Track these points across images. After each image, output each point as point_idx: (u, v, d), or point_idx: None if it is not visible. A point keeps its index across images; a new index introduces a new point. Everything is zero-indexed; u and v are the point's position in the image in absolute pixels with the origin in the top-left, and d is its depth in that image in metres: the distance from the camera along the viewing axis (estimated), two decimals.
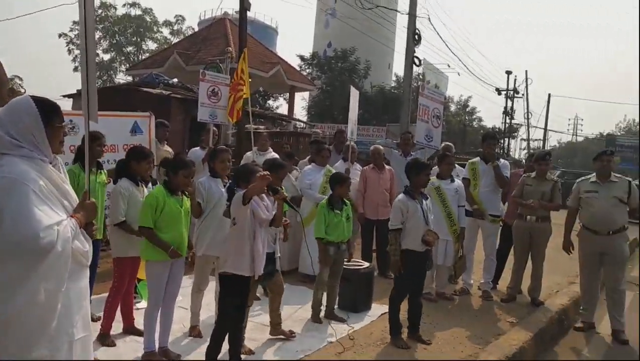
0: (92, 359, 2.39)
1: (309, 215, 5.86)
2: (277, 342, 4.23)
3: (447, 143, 7.33)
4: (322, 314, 4.86)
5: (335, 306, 5.00)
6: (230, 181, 4.14)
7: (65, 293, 2.12)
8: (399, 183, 6.13)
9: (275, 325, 4.36)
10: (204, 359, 3.58)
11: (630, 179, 5.45)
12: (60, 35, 35.45)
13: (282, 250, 4.56)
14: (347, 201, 5.04)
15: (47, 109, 2.19)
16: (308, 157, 6.98)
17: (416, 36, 14.64)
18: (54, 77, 79.94)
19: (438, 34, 51.38)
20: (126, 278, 4.16)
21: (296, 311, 4.90)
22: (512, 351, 4.23)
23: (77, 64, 32.11)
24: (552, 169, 11.18)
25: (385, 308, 4.77)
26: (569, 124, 69.76)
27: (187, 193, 3.90)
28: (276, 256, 4.26)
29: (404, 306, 4.43)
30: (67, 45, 35.43)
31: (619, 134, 54.31)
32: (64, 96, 14.24)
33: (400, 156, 6.88)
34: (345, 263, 5.17)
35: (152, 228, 3.65)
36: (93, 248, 4.16)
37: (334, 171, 6.18)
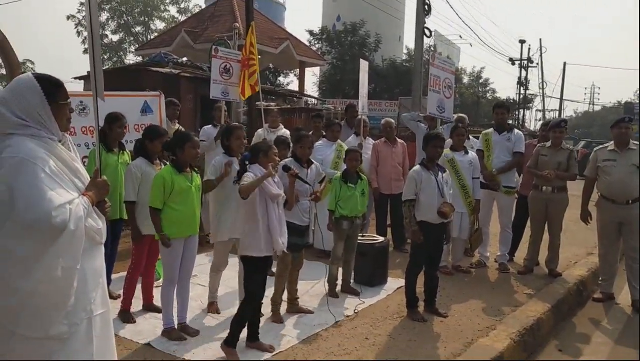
0: (113, 334, 2.42)
1: (322, 191, 5.83)
2: (294, 316, 4.26)
3: (460, 115, 7.21)
4: (338, 288, 4.88)
5: (351, 281, 5.01)
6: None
7: (81, 270, 2.13)
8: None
9: (293, 300, 4.39)
10: (221, 335, 3.61)
11: None
12: (68, 18, 35.31)
13: None
14: (362, 176, 4.99)
15: (50, 86, 2.16)
16: (311, 132, 6.86)
17: (426, 6, 14.29)
18: (65, 59, 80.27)
19: (448, 3, 50.07)
20: (144, 255, 4.18)
21: (312, 287, 4.91)
22: (529, 322, 4.22)
23: (86, 45, 32.01)
24: (568, 139, 10.98)
25: (401, 282, 4.77)
26: (585, 93, 68.32)
27: (196, 169, 3.88)
28: (311, 229, 4.28)
29: (420, 280, 4.42)
30: (75, 27, 35.27)
31: (637, 101, 53.11)
32: (75, 78, 14.25)
33: (426, 130, 6.75)
34: (360, 238, 5.16)
35: (159, 209, 3.65)
36: (114, 228, 4.26)
37: (345, 145, 6.14)
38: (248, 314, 3.58)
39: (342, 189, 4.76)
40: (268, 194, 3.48)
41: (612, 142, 5.21)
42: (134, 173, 4.05)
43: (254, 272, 3.56)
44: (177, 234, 3.69)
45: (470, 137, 6.50)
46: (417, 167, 4.44)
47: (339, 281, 4.92)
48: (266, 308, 4.20)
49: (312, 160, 4.54)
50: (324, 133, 6.47)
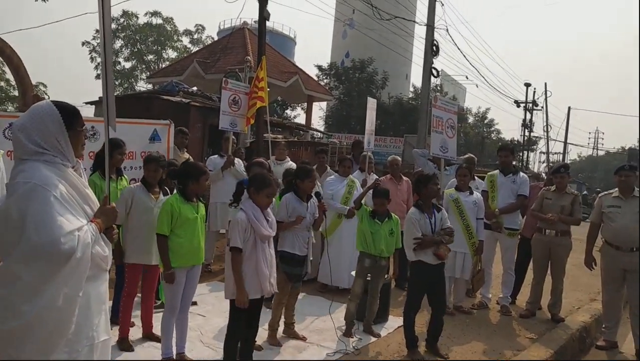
0: None
1: (331, 225, 5.84)
2: (293, 352, 4.20)
3: (470, 155, 7.21)
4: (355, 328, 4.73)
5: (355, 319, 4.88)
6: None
7: (85, 297, 2.13)
8: None
9: (289, 324, 4.47)
10: None
11: None
12: (83, 44, 36.09)
13: None
14: (393, 215, 4.83)
15: (69, 113, 2.21)
16: (315, 166, 6.91)
17: (434, 47, 14.58)
18: (77, 84, 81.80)
19: (456, 45, 51.17)
20: (136, 282, 4.15)
21: (312, 322, 4.86)
22: None
23: (99, 71, 32.56)
24: (571, 183, 10.99)
25: (402, 321, 4.71)
26: (589, 138, 68.34)
27: (201, 199, 3.90)
28: (309, 259, 4.36)
29: (421, 320, 4.38)
30: (89, 54, 35.98)
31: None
32: (87, 103, 14.45)
33: (435, 169, 6.80)
34: None
35: (166, 236, 3.64)
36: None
37: (357, 181, 6.18)
38: (231, 350, 3.55)
39: (369, 223, 4.69)
40: (259, 234, 3.41)
41: (616, 188, 5.23)
42: (125, 197, 4.03)
43: (239, 314, 3.48)
44: (181, 265, 3.68)
45: (476, 177, 6.52)
46: (412, 209, 4.41)
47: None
48: (260, 339, 4.17)
49: (319, 193, 4.59)
50: (328, 168, 6.52)
